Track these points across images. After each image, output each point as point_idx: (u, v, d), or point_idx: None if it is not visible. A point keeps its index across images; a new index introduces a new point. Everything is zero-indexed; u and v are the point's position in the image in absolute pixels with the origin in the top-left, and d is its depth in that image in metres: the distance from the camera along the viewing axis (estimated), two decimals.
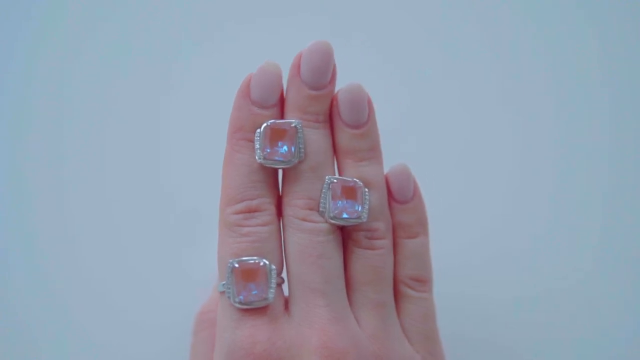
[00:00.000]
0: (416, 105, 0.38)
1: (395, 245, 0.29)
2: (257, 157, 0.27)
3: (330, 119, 0.28)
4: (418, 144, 0.38)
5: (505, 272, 0.37)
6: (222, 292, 0.27)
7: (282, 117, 0.28)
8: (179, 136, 0.39)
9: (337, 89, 0.28)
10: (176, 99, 0.39)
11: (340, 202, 0.27)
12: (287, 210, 0.28)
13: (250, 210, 0.27)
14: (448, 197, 0.37)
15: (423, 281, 0.29)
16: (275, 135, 0.27)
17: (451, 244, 0.36)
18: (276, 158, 0.27)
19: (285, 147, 0.27)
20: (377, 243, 0.28)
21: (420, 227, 0.29)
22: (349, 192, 0.27)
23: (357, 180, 0.28)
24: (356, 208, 0.27)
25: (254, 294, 0.26)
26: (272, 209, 0.28)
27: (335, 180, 0.27)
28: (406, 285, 0.29)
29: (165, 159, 0.39)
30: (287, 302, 0.28)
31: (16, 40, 0.40)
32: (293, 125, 0.27)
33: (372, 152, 0.28)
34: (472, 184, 0.38)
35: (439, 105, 0.38)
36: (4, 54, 0.40)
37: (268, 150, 0.27)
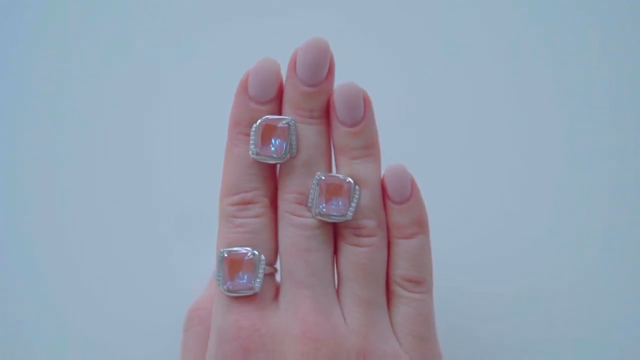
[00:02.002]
0: (417, 103, 0.38)
1: (390, 244, 0.29)
2: (250, 152, 0.28)
3: (327, 114, 0.29)
4: (419, 141, 0.38)
5: (505, 270, 0.36)
6: (216, 280, 0.29)
7: (279, 112, 0.29)
8: (174, 136, 0.39)
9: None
10: (169, 99, 0.40)
11: (326, 199, 0.28)
12: (280, 204, 0.29)
13: (245, 202, 0.29)
14: (449, 195, 0.36)
15: (418, 282, 0.29)
16: (268, 131, 0.28)
17: (451, 243, 0.35)
18: (268, 154, 0.28)
19: (277, 143, 0.28)
20: (365, 240, 0.28)
21: (417, 227, 0.29)
22: (336, 190, 0.28)
23: (348, 178, 0.28)
24: (341, 206, 0.28)
25: (241, 283, 0.28)
26: (266, 201, 0.29)
27: (323, 177, 0.28)
28: (399, 285, 0.29)
29: (159, 159, 0.39)
30: (278, 292, 0.29)
31: (10, 41, 0.41)
32: (285, 122, 0.28)
33: (367, 150, 0.28)
34: (473, 183, 0.37)
35: (440, 103, 0.38)
36: None
37: (261, 146, 0.28)
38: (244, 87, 0.29)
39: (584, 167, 0.37)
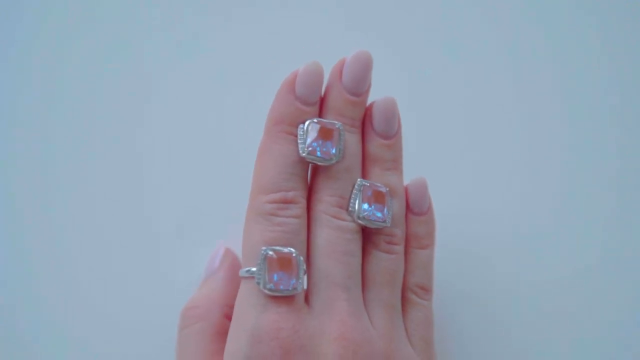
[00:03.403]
0: (417, 103, 0.39)
1: (406, 253, 0.31)
2: (300, 151, 0.28)
3: (362, 125, 0.30)
4: (418, 142, 0.38)
5: (504, 271, 0.37)
6: (247, 278, 0.27)
7: (320, 116, 0.29)
8: (172, 135, 0.38)
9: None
10: (167, 100, 0.38)
11: (369, 204, 0.29)
12: (318, 206, 0.29)
13: (286, 201, 0.28)
14: (449, 195, 0.37)
15: (427, 290, 0.31)
16: (323, 133, 0.28)
17: (452, 243, 0.37)
18: (319, 155, 0.28)
19: (329, 146, 0.28)
20: (394, 248, 0.30)
21: (430, 239, 0.31)
22: (378, 197, 0.29)
23: (384, 187, 0.29)
24: (384, 212, 0.29)
25: (284, 283, 0.27)
26: (304, 202, 0.29)
27: (367, 184, 0.29)
28: (413, 293, 0.31)
29: (154, 159, 0.38)
30: (306, 294, 0.28)
31: (9, 40, 0.38)
32: (337, 126, 0.29)
33: (396, 163, 0.30)
34: (473, 182, 0.38)
35: (440, 103, 0.39)
36: None
37: (315, 146, 0.28)
38: (291, 86, 0.29)
39: (584, 168, 0.38)
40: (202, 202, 0.36)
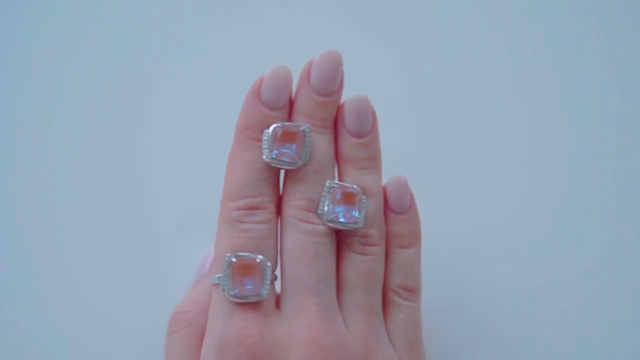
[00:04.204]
0: (417, 103, 0.38)
1: (387, 254, 0.30)
2: (264, 157, 0.28)
3: (334, 126, 0.30)
4: (418, 142, 0.38)
5: (504, 272, 0.36)
6: (216, 285, 0.28)
7: (289, 120, 0.29)
8: (172, 136, 0.39)
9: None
10: (167, 100, 0.39)
11: (338, 206, 0.28)
12: (287, 210, 0.29)
13: (252, 208, 0.28)
14: (449, 196, 0.37)
15: (412, 290, 0.30)
16: (285, 136, 0.28)
17: (451, 244, 0.36)
18: (283, 159, 0.28)
19: (293, 149, 0.28)
20: (370, 249, 0.29)
21: (413, 238, 0.30)
22: (348, 198, 0.28)
23: (356, 187, 0.29)
24: (353, 213, 0.28)
25: (248, 289, 0.27)
26: (272, 208, 0.29)
27: (335, 185, 0.28)
28: (395, 293, 0.30)
29: (153, 160, 0.38)
30: (278, 299, 0.29)
31: (8, 40, 0.39)
32: (302, 128, 0.28)
33: (372, 161, 0.30)
34: (474, 183, 0.38)
35: (440, 103, 0.38)
36: None
37: (276, 151, 0.28)
38: (256, 91, 0.29)
39: (584, 169, 0.37)
40: (202, 202, 0.36)
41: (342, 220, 0.28)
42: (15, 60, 0.39)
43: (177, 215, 0.37)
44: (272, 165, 0.28)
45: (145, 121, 0.38)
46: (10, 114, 0.38)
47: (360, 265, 0.29)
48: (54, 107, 0.39)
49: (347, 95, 0.30)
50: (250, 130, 0.29)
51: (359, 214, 0.29)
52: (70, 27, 0.39)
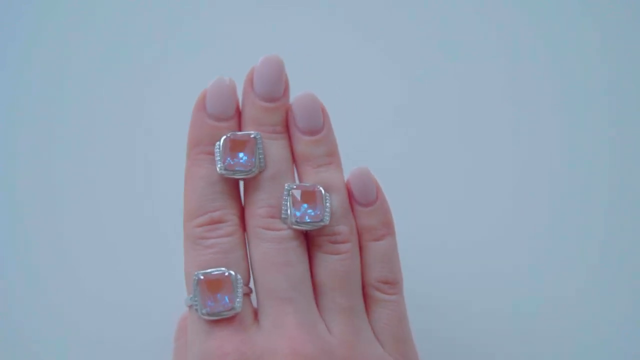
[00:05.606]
0: (415, 103, 0.38)
1: (361, 248, 0.29)
2: (217, 169, 0.27)
3: (287, 129, 0.29)
4: (417, 142, 0.37)
5: (504, 272, 0.36)
6: (190, 306, 0.27)
7: (240, 129, 0.29)
8: (171, 137, 0.37)
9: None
10: (167, 100, 0.39)
11: (301, 207, 0.28)
12: (250, 221, 0.28)
13: (213, 222, 0.28)
14: (448, 197, 0.36)
15: (392, 283, 0.29)
16: (235, 146, 0.28)
17: (448, 245, 0.36)
18: (237, 168, 0.27)
19: (245, 158, 0.28)
20: (342, 247, 0.28)
21: (385, 228, 0.29)
22: (309, 197, 0.28)
23: (317, 185, 0.28)
24: (317, 211, 0.28)
25: (221, 305, 0.27)
26: (235, 219, 0.28)
27: (294, 187, 0.28)
28: (376, 289, 0.29)
29: (153, 159, 0.38)
30: (256, 313, 0.28)
31: (8, 39, 0.39)
32: (252, 136, 0.28)
33: (330, 157, 0.29)
34: (471, 185, 0.37)
35: (439, 104, 0.38)
36: None
37: (229, 161, 0.27)
38: (201, 105, 0.28)
39: (584, 169, 0.38)
40: None
41: (307, 219, 0.28)
42: (16, 60, 0.39)
43: (180, 214, 0.37)
44: (227, 176, 0.28)
45: (150, 121, 0.38)
46: (12, 114, 0.39)
47: (334, 265, 0.28)
48: (55, 108, 0.39)
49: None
50: (202, 146, 0.28)
51: (323, 210, 0.28)
52: (70, 27, 0.39)
